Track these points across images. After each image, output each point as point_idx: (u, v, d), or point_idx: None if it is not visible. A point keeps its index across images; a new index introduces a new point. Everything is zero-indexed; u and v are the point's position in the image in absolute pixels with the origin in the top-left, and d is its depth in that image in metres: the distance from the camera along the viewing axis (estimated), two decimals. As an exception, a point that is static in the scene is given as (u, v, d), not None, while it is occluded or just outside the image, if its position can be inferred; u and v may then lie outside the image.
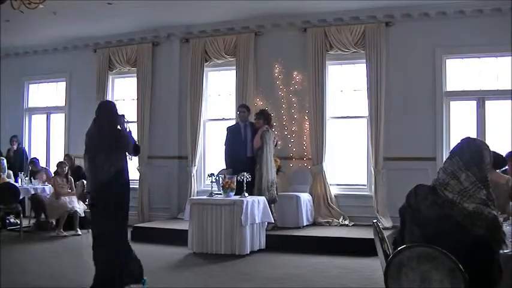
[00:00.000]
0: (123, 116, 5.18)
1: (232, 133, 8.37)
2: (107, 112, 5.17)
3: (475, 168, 2.79)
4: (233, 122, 9.20)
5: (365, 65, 8.77)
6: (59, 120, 11.63)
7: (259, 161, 7.86)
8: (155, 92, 10.32)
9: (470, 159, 2.81)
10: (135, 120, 10.32)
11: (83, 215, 9.23)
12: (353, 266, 6.38)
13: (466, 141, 2.97)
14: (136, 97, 10.42)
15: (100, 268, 5.17)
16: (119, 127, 5.14)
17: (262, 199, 7.47)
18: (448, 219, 2.70)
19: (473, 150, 2.87)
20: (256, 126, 8.10)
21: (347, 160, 9.31)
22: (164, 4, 8.48)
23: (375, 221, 3.41)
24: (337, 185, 9.11)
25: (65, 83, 11.44)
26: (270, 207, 7.67)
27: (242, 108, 8.48)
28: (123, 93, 11.02)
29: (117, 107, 5.29)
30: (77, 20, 9.33)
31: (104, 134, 5.06)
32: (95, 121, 5.20)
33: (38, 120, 12.00)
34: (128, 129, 5.19)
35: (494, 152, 5.69)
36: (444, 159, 2.99)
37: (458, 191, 2.74)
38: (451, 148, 3.02)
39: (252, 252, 7.14)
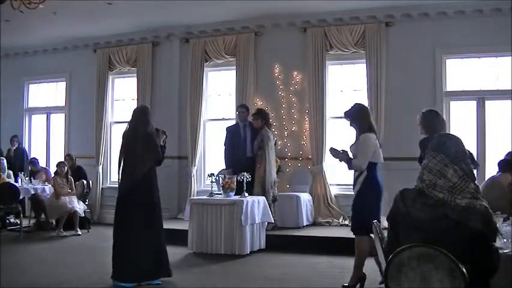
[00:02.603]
0: (164, 132, 5.84)
1: (232, 133, 8.37)
2: (141, 116, 5.74)
3: (462, 164, 2.79)
4: (233, 122, 9.20)
5: (365, 65, 8.77)
6: (59, 120, 11.63)
7: (260, 160, 7.86)
8: (155, 92, 10.32)
9: (457, 155, 2.80)
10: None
11: (83, 215, 9.24)
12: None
13: (447, 138, 2.97)
14: (136, 97, 10.42)
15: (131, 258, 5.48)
16: (153, 135, 5.68)
17: (262, 199, 7.47)
18: (444, 219, 2.69)
19: (458, 146, 2.86)
20: (254, 126, 8.10)
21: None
22: (164, 4, 8.48)
23: (375, 221, 3.40)
24: (337, 185, 9.10)
25: (65, 83, 11.44)
26: (271, 206, 7.69)
27: (241, 108, 8.49)
28: (123, 93, 11.03)
29: (150, 111, 5.97)
30: (77, 20, 9.33)
31: (138, 136, 5.62)
32: (131, 123, 5.77)
33: (38, 120, 12.00)
34: (162, 142, 5.77)
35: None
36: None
37: (447, 189, 2.73)
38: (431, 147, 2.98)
39: (252, 252, 7.14)
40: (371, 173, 5.25)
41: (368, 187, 5.24)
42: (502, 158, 5.97)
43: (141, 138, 5.62)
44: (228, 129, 8.54)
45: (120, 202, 5.73)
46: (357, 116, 5.53)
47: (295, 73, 9.23)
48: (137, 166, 5.57)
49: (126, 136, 5.74)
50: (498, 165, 5.83)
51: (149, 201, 5.64)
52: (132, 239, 5.52)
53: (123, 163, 5.69)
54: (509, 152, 6.35)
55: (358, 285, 5.38)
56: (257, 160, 7.91)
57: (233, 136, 8.34)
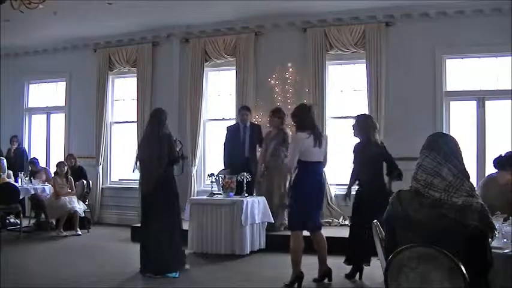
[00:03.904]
0: (179, 141, 6.36)
1: (232, 133, 8.38)
2: (156, 117, 6.06)
3: (456, 161, 2.77)
4: (233, 122, 9.20)
5: (365, 65, 8.77)
6: (59, 120, 11.63)
7: (280, 162, 7.78)
8: (155, 92, 10.32)
9: (449, 153, 2.79)
10: (135, 120, 10.32)
11: (83, 215, 9.24)
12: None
13: (438, 136, 2.96)
14: (136, 97, 10.42)
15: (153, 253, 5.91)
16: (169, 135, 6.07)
17: (262, 199, 7.48)
18: (441, 218, 2.68)
19: (450, 143, 2.85)
20: (273, 125, 7.99)
21: (347, 160, 9.27)
22: (164, 4, 8.47)
23: (375, 221, 3.40)
24: (337, 185, 9.08)
25: (65, 83, 11.44)
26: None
27: (245, 111, 8.41)
28: (123, 93, 11.02)
29: (165, 112, 6.20)
30: (77, 20, 9.33)
31: (154, 137, 5.95)
32: (147, 125, 6.20)
33: (38, 120, 11.99)
34: (178, 150, 6.16)
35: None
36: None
37: (443, 188, 2.71)
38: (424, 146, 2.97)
39: (252, 252, 7.15)
40: (301, 172, 5.48)
41: (297, 185, 5.52)
42: (497, 155, 6.00)
43: (156, 139, 5.91)
44: (229, 128, 8.56)
45: (142, 202, 6.13)
46: (294, 115, 5.71)
47: (295, 73, 9.22)
48: (154, 167, 5.86)
49: (142, 138, 6.11)
50: (494, 163, 5.83)
51: (167, 201, 5.95)
52: (146, 237, 5.99)
53: (141, 164, 6.04)
54: (509, 152, 6.34)
55: (296, 284, 5.44)
56: (272, 161, 7.85)
57: (233, 136, 8.35)
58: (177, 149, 6.11)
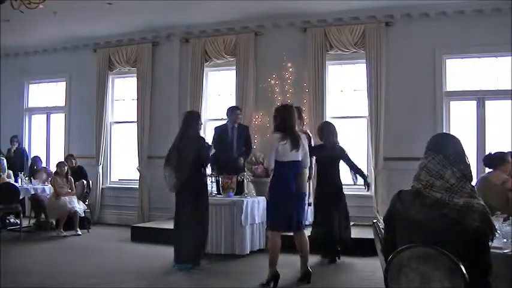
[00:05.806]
0: (210, 146, 6.90)
1: (221, 133, 8.30)
2: (189, 120, 6.48)
3: (461, 165, 2.76)
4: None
5: (365, 65, 8.77)
6: (59, 120, 11.63)
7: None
8: (155, 92, 10.32)
9: (457, 156, 2.78)
10: (135, 120, 10.33)
11: (83, 215, 9.24)
12: (353, 266, 6.38)
13: (446, 138, 2.95)
14: (136, 97, 10.43)
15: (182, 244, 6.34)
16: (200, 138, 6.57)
17: (262, 199, 7.47)
18: (442, 218, 2.68)
19: (457, 146, 2.83)
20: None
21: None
22: (164, 4, 8.48)
23: (375, 221, 3.40)
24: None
25: (65, 83, 11.44)
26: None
27: (240, 111, 8.43)
28: (123, 93, 11.03)
29: (198, 115, 6.77)
30: (77, 20, 9.33)
31: (186, 139, 6.32)
32: (181, 126, 6.56)
33: (38, 120, 12.00)
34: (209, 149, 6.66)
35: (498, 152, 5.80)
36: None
37: (444, 189, 2.71)
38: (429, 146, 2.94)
39: (252, 252, 7.15)
40: (275, 172, 5.58)
41: (271, 185, 5.64)
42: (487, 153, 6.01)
43: (189, 141, 6.26)
44: (217, 129, 8.48)
45: (176, 198, 6.47)
46: (274, 115, 5.77)
47: (295, 73, 9.22)
48: (184, 167, 6.20)
49: (175, 138, 6.44)
50: (485, 161, 5.82)
51: (196, 200, 6.28)
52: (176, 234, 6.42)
53: (172, 164, 6.35)
54: (509, 152, 6.34)
55: (272, 284, 5.47)
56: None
57: (222, 136, 8.27)
58: (210, 154, 6.56)
